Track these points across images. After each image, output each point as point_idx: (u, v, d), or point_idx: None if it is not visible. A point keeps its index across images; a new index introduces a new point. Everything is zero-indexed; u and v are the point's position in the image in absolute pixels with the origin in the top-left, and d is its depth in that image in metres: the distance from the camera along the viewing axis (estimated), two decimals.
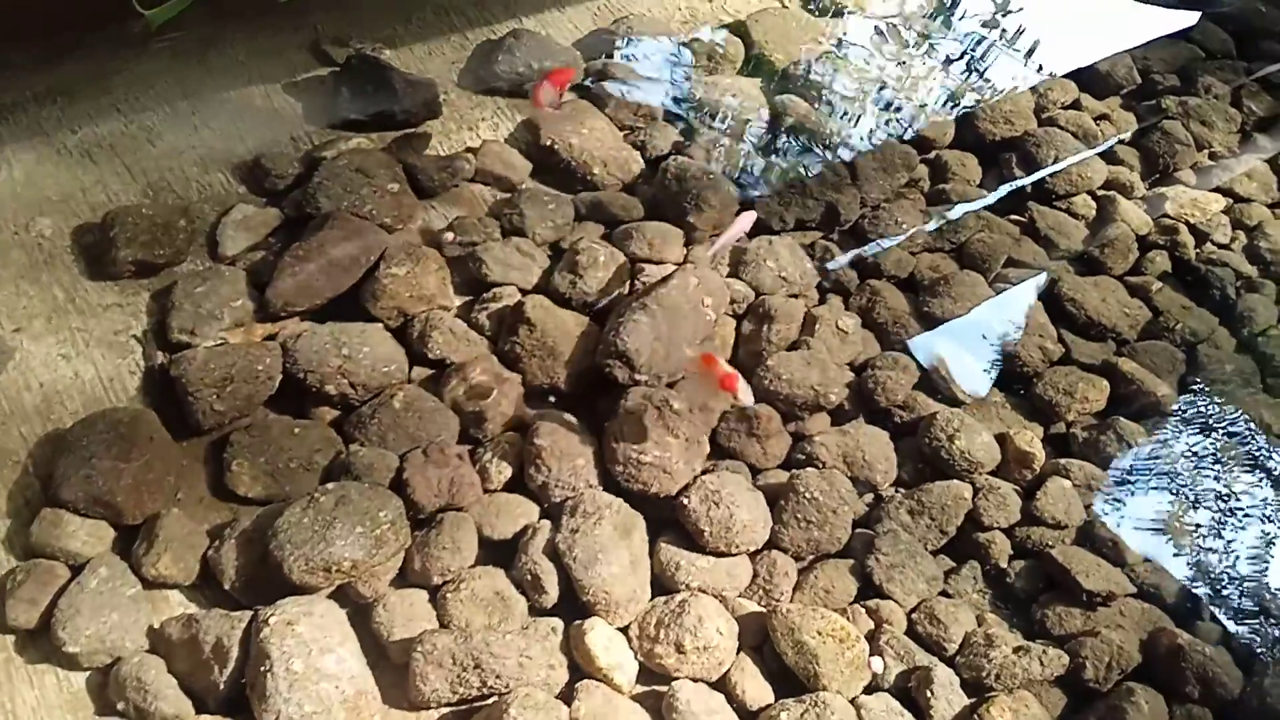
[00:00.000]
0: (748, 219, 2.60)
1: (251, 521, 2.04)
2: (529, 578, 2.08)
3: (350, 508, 2.00)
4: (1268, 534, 2.44)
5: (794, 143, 3.02)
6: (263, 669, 1.79)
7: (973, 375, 2.57)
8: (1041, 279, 2.76)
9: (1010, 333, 2.66)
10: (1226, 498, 2.49)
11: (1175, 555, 2.34)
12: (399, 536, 2.03)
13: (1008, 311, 2.70)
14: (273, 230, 2.53)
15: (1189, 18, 3.68)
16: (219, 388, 2.15)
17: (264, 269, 2.40)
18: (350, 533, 1.97)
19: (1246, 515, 2.47)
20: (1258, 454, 2.58)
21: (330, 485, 2.04)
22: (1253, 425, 2.61)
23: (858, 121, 3.10)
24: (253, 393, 2.19)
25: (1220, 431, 2.58)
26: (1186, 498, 2.45)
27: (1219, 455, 2.55)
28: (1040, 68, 3.37)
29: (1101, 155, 3.11)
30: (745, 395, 2.21)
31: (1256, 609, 2.27)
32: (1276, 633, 2.22)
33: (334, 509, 1.99)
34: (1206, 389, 2.64)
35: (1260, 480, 2.53)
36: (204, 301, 2.31)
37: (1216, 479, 2.52)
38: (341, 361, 2.24)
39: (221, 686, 1.85)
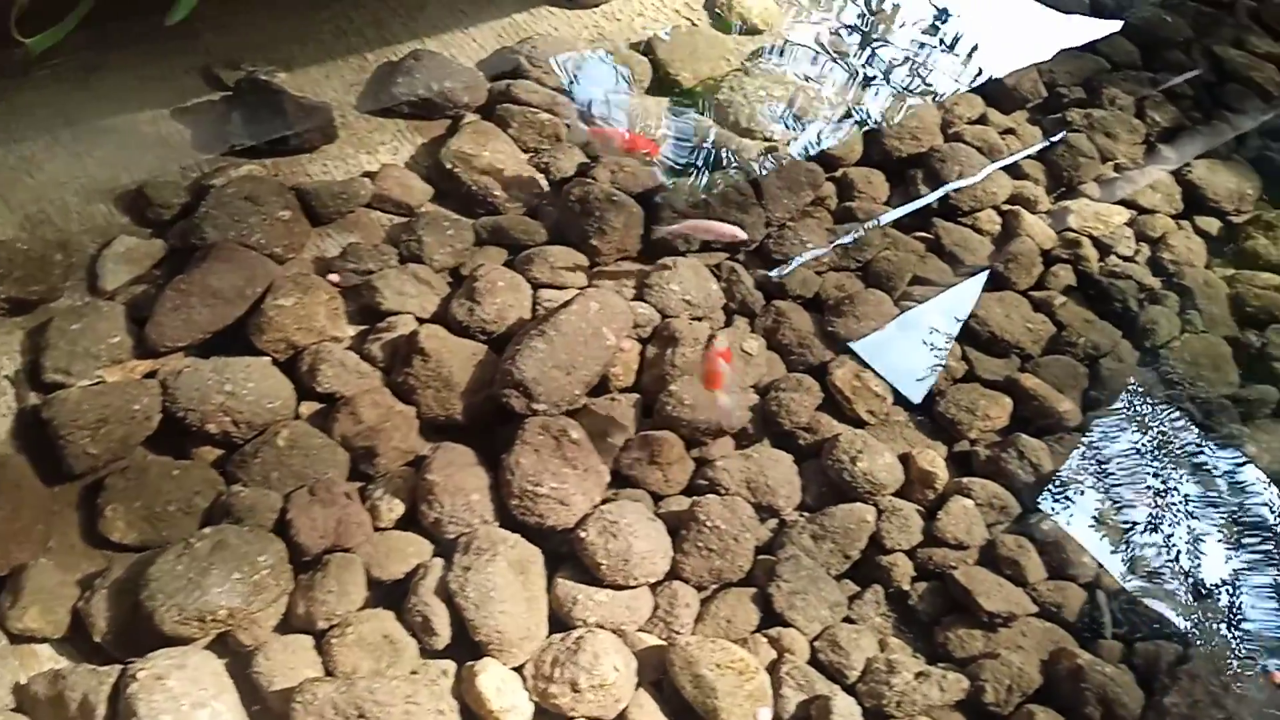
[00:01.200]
0: (730, 231, 2.61)
1: (125, 570, 1.96)
2: (419, 619, 2.01)
3: (227, 553, 1.92)
4: (1170, 549, 2.45)
5: (700, 162, 2.99)
6: None
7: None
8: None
9: (914, 350, 2.64)
10: (1130, 512, 2.49)
11: (1079, 572, 2.33)
12: (279, 581, 1.96)
13: (913, 329, 2.69)
14: (157, 262, 2.45)
15: (1095, 29, 3.72)
16: (93, 430, 2.07)
17: (146, 303, 2.32)
18: (226, 579, 1.89)
19: (1150, 530, 2.48)
20: (1161, 468, 2.59)
21: (207, 530, 1.97)
22: (1154, 439, 2.62)
23: (764, 140, 3.09)
24: (128, 434, 2.11)
25: (1123, 446, 2.58)
26: (1090, 513, 2.44)
27: (1123, 470, 2.56)
28: (948, 83, 3.38)
29: (1006, 169, 3.12)
30: (725, 401, 2.23)
31: (1158, 626, 2.27)
32: (1177, 650, 2.21)
33: (210, 555, 1.91)
34: (1109, 403, 2.64)
35: (1163, 494, 2.54)
36: (80, 339, 2.22)
37: (1121, 493, 2.52)
38: (224, 398, 2.16)
39: None
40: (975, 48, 3.54)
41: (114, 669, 1.83)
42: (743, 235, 2.63)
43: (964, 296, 2.78)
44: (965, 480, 2.42)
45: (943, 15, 3.64)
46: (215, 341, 2.31)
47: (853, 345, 2.61)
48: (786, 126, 3.14)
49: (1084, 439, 2.56)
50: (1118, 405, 2.64)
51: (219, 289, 2.30)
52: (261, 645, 1.94)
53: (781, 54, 3.29)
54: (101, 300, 2.34)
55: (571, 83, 3.08)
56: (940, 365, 2.62)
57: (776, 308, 2.67)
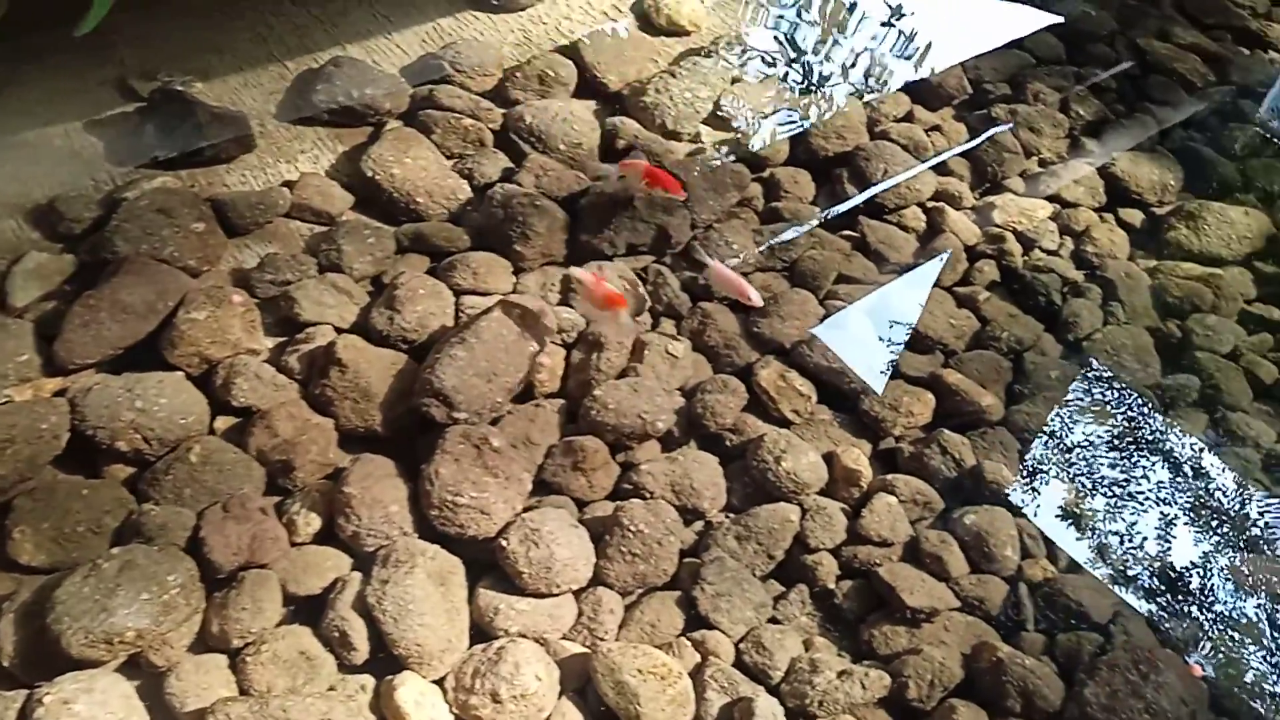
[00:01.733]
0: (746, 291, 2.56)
1: (32, 593, 1.93)
2: (337, 635, 1.99)
3: (135, 573, 1.89)
4: (1094, 540, 2.47)
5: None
6: None
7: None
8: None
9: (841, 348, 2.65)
10: (1053, 504, 2.52)
11: (1001, 566, 2.35)
12: (190, 600, 1.93)
13: (838, 329, 2.70)
14: (67, 278, 2.40)
15: (1022, 24, 3.76)
16: None
17: (55, 320, 2.28)
18: (134, 600, 1.86)
19: (1074, 522, 2.50)
20: (1084, 460, 2.62)
21: (115, 550, 1.93)
22: (1077, 432, 2.65)
23: (691, 142, 3.09)
24: (35, 453, 2.07)
25: (1046, 439, 2.61)
26: (1013, 507, 2.46)
27: (1046, 462, 2.58)
28: (874, 82, 3.40)
29: (932, 167, 3.14)
30: (625, 318, 2.29)
31: (1080, 618, 2.29)
32: (1098, 641, 2.23)
33: (117, 575, 1.88)
34: (1032, 397, 2.66)
35: (1087, 486, 2.57)
36: None
37: (1045, 486, 2.55)
38: (135, 415, 2.13)
39: None
40: (902, 45, 3.56)
41: (20, 694, 1.79)
42: (758, 300, 2.57)
43: (890, 294, 2.79)
44: (889, 477, 2.44)
45: (868, 16, 3.66)
46: (127, 357, 2.27)
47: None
48: (713, 128, 3.15)
49: (1008, 433, 2.58)
50: (1041, 399, 2.66)
51: (129, 304, 2.26)
52: (174, 666, 1.91)
53: (708, 56, 3.28)
54: (10, 318, 2.29)
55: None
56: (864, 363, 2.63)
57: (703, 309, 2.67)
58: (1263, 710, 2.23)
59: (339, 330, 2.42)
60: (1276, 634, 2.36)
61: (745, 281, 2.59)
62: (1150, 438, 2.68)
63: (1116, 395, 2.74)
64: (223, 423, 2.24)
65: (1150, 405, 2.73)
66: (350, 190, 2.75)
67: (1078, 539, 2.46)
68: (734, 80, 3.28)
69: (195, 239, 2.45)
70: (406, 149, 2.78)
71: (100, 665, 1.87)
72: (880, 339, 2.71)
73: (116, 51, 2.88)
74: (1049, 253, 3.05)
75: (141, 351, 2.28)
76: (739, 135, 3.13)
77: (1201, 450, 2.67)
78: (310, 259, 2.54)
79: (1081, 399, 2.70)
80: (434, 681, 2.00)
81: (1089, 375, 2.75)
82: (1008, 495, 2.43)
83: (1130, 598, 2.36)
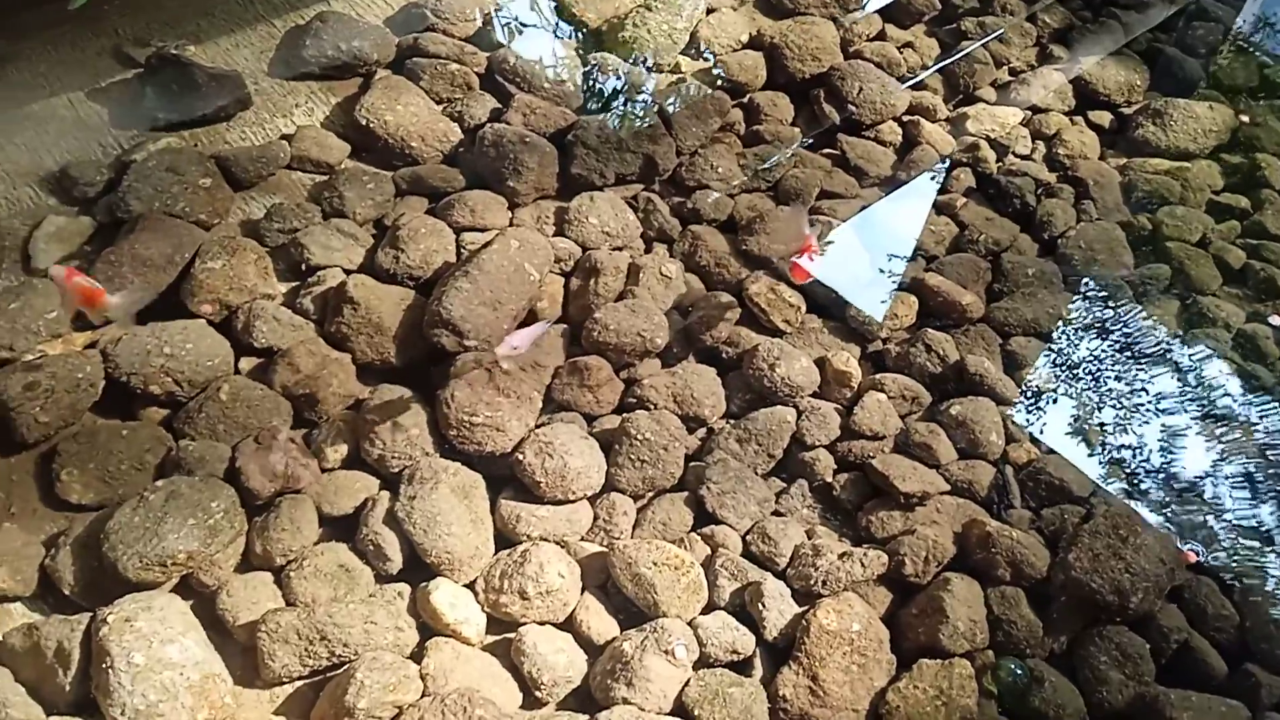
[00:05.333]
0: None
1: (85, 527, 2.07)
2: (372, 548, 2.14)
3: (181, 502, 2.04)
4: (1075, 421, 2.62)
5: (610, 99, 3.09)
6: (104, 666, 1.83)
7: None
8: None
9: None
10: (1035, 390, 2.66)
11: (987, 450, 2.49)
12: (234, 524, 2.07)
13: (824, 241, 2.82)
14: (87, 239, 2.52)
15: None
16: (41, 400, 2.16)
17: None
18: (183, 526, 2.01)
19: (1054, 405, 2.64)
20: (1063, 348, 2.76)
21: (160, 483, 2.08)
22: (1054, 323, 2.78)
23: (671, 73, 3.18)
24: (76, 401, 2.21)
25: (1024, 331, 2.74)
26: (997, 394, 2.59)
27: (1026, 352, 2.71)
28: (847, 3, 3.48)
29: (904, 81, 3.24)
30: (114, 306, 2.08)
31: (1060, 494, 2.44)
32: (1078, 513, 2.38)
33: (164, 505, 2.02)
34: (1011, 294, 2.79)
35: (1066, 371, 2.71)
36: (19, 317, 2.30)
37: (1027, 373, 2.68)
38: (164, 360, 2.26)
39: (68, 688, 1.89)
40: None
41: (84, 617, 1.94)
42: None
43: (872, 206, 2.92)
44: (879, 376, 2.57)
45: None
46: (149, 308, 2.38)
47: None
48: (692, 58, 3.24)
49: (989, 329, 2.71)
50: (1019, 295, 2.79)
51: (148, 258, 2.39)
52: (223, 584, 2.06)
53: None
54: (36, 278, 2.41)
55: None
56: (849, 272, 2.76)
57: (693, 232, 2.79)
58: (1234, 567, 2.38)
59: (348, 272, 2.54)
60: (1240, 497, 2.52)
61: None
62: (1125, 324, 2.81)
63: (1092, 287, 2.86)
64: (246, 363, 2.38)
65: (1124, 294, 2.86)
66: (346, 139, 2.85)
67: (1060, 420, 2.60)
68: (709, 10, 3.36)
69: (204, 194, 2.57)
70: (397, 96, 2.88)
71: (155, 587, 2.01)
72: (864, 249, 2.83)
73: (110, 21, 2.98)
74: (1022, 157, 3.17)
75: (162, 302, 2.40)
76: (717, 63, 3.22)
77: (1174, 333, 2.80)
78: (314, 207, 2.66)
79: (1058, 293, 2.83)
80: (465, 585, 2.15)
81: (1064, 270, 2.87)
82: (991, 386, 2.56)
83: (1111, 471, 2.51)
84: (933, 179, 3.04)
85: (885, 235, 2.88)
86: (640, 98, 3.09)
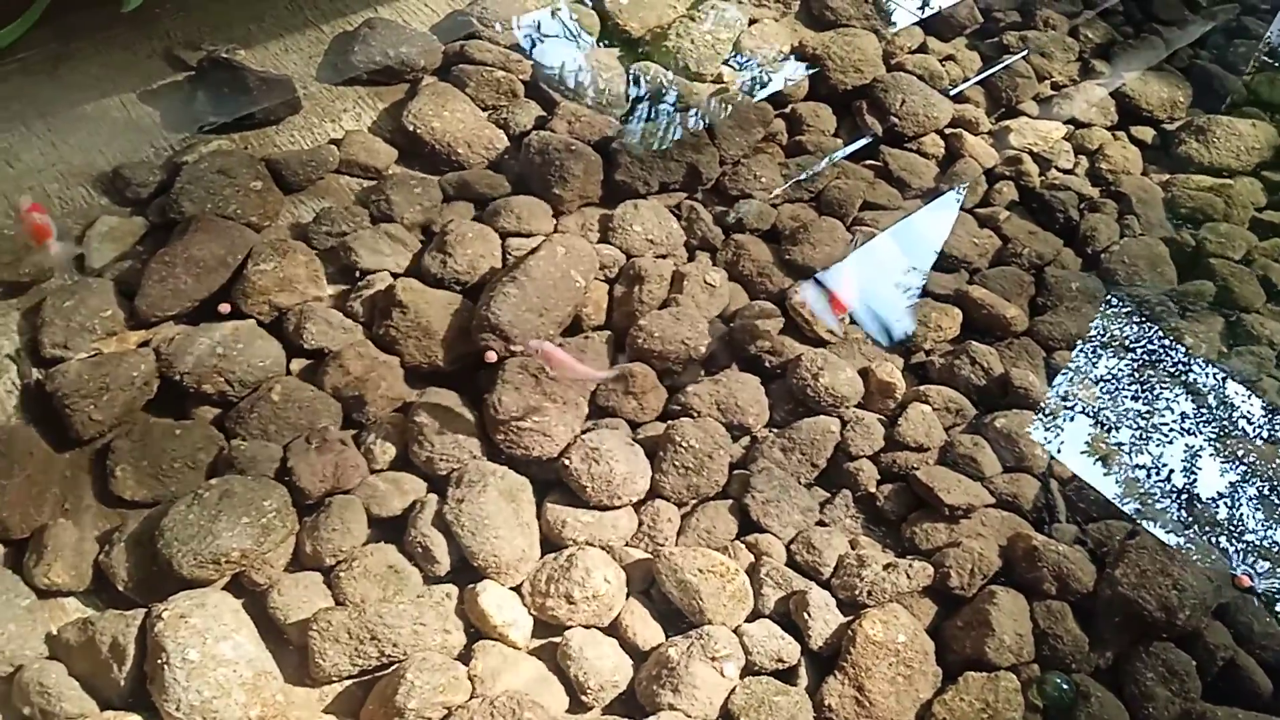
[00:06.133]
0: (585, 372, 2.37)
1: (139, 524, 2.09)
2: (420, 549, 2.15)
3: (234, 500, 2.05)
4: (1123, 438, 2.61)
5: (654, 108, 3.11)
6: (159, 661, 1.85)
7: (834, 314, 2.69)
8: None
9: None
10: (1079, 404, 2.65)
11: (1032, 464, 2.49)
12: (286, 523, 2.09)
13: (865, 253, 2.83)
14: (140, 239, 2.55)
15: None
16: (95, 398, 2.19)
17: (133, 278, 2.43)
18: (236, 524, 2.02)
19: (1099, 421, 2.64)
20: (1107, 363, 2.75)
21: (214, 481, 2.09)
22: (1100, 337, 2.78)
23: (714, 83, 3.20)
24: (130, 399, 2.23)
25: (1069, 345, 2.74)
26: (1042, 408, 2.59)
27: (1071, 367, 2.71)
28: (889, 15, 3.50)
29: (947, 94, 3.25)
30: (57, 248, 2.23)
31: (1109, 507, 2.43)
32: (1124, 528, 2.38)
33: (218, 503, 2.04)
34: (1055, 308, 2.79)
35: (1110, 386, 2.70)
36: (74, 315, 2.33)
37: (1070, 387, 2.68)
38: (217, 360, 2.28)
39: (122, 683, 1.90)
40: None
41: (139, 613, 1.96)
42: (599, 376, 2.40)
43: (914, 218, 2.92)
44: (922, 388, 2.57)
45: None
46: (202, 309, 2.42)
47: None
48: (735, 68, 3.26)
49: (1033, 342, 2.71)
50: (1063, 309, 2.79)
51: (202, 259, 2.41)
52: (274, 583, 2.08)
53: None
54: (91, 278, 2.44)
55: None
56: (893, 283, 2.76)
57: (736, 241, 2.80)
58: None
59: (395, 275, 2.56)
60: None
61: (581, 364, 2.35)
62: (1169, 340, 2.80)
63: (1135, 302, 2.86)
64: (296, 364, 2.40)
65: (1168, 311, 2.85)
66: (393, 145, 2.88)
67: (1104, 436, 2.59)
68: (752, 21, 3.38)
69: (255, 197, 2.60)
70: (444, 103, 2.91)
71: (208, 584, 2.03)
72: (907, 260, 2.83)
73: (161, 24, 3.02)
74: (1065, 172, 3.17)
75: (215, 303, 2.42)
76: (760, 73, 3.24)
77: (1218, 350, 2.79)
78: (362, 210, 2.68)
79: (1102, 307, 2.82)
80: (511, 589, 2.16)
81: (1108, 285, 2.87)
82: (1035, 400, 2.56)
83: (1157, 487, 2.50)
84: (974, 191, 3.04)
85: (927, 246, 2.87)
86: (683, 107, 3.11)
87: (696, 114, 3.06)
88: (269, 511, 2.07)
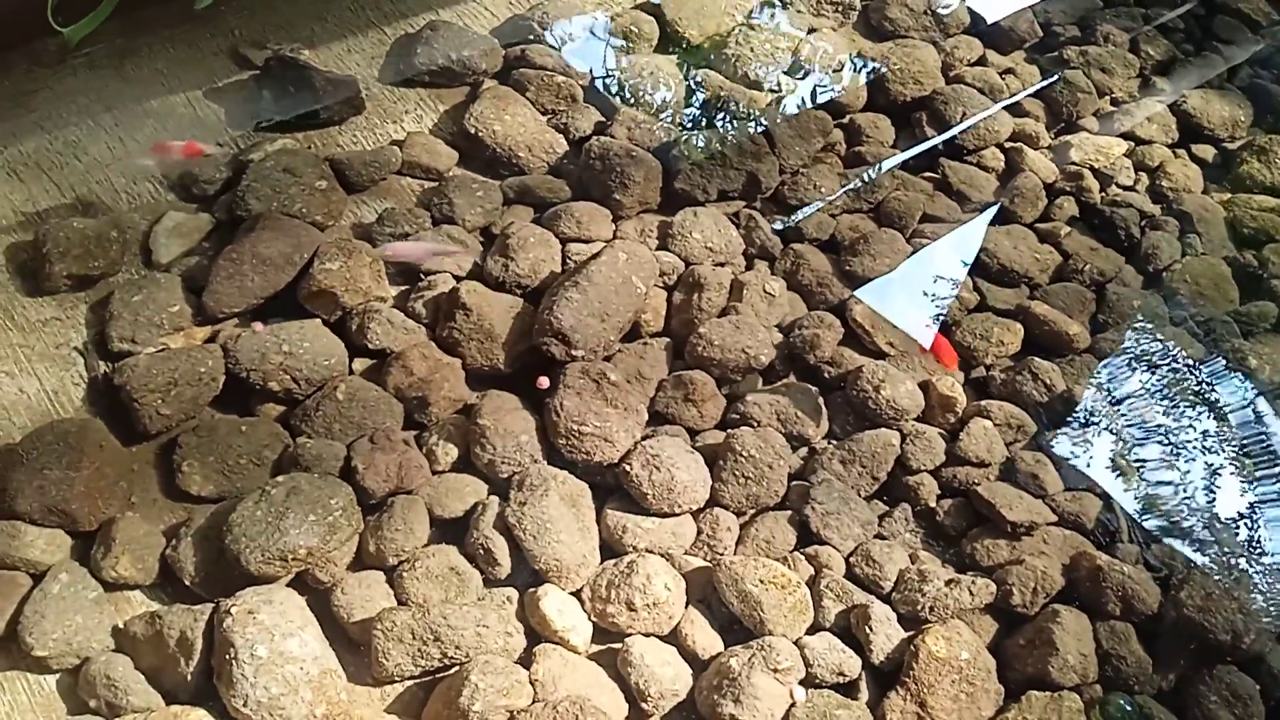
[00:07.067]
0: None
1: (206, 519, 2.10)
2: (481, 551, 2.16)
3: (301, 498, 2.06)
4: (1184, 460, 2.58)
5: (713, 115, 3.11)
6: (228, 657, 1.86)
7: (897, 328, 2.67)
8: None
9: (929, 285, 2.77)
10: (1145, 426, 2.63)
11: (1094, 484, 2.47)
12: (351, 522, 2.10)
13: (927, 265, 2.82)
14: (205, 235, 2.56)
15: None
16: (163, 392, 2.20)
17: (199, 273, 2.45)
18: (303, 522, 2.03)
19: (1163, 442, 2.61)
20: (1169, 383, 2.72)
21: (280, 478, 2.10)
22: (1162, 357, 2.75)
23: (773, 92, 3.20)
24: (197, 394, 2.24)
25: (1131, 364, 2.71)
26: (1105, 429, 2.57)
27: (1133, 386, 2.69)
28: (948, 27, 3.48)
29: (1007, 108, 3.23)
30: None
31: (1171, 529, 2.41)
32: (1190, 550, 2.35)
33: (285, 500, 2.05)
34: (1116, 325, 2.77)
35: (1172, 406, 2.68)
36: (142, 309, 2.35)
37: (1132, 407, 2.65)
38: (283, 358, 2.29)
39: (189, 678, 1.91)
40: None
41: (206, 607, 1.97)
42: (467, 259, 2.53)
43: (973, 232, 2.90)
44: (984, 403, 2.56)
45: None
46: (267, 306, 2.43)
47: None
48: (794, 77, 3.25)
49: (1095, 360, 2.69)
50: (1125, 327, 2.77)
51: (268, 256, 2.42)
52: (338, 582, 2.08)
53: (785, 7, 3.38)
54: (158, 272, 2.46)
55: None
56: (954, 297, 2.74)
57: (795, 250, 2.79)
58: None
59: (457, 278, 2.56)
60: None
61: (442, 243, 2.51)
62: (1230, 362, 2.77)
63: (1197, 322, 2.83)
64: (360, 364, 2.41)
65: (1231, 331, 2.82)
66: (454, 147, 2.88)
67: (1167, 456, 2.56)
68: (810, 30, 3.37)
69: (320, 196, 2.61)
70: (505, 106, 2.91)
71: (274, 581, 2.04)
72: (967, 274, 2.82)
73: (226, 23, 3.04)
74: (1125, 188, 3.14)
75: (280, 300, 2.44)
76: (819, 83, 3.23)
77: None
78: (424, 212, 2.69)
79: (1164, 326, 2.80)
80: (572, 593, 2.16)
81: (1170, 304, 2.84)
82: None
83: (1219, 509, 2.48)
84: (1035, 206, 3.01)
85: (988, 260, 2.86)
86: (743, 115, 3.10)
87: (756, 122, 3.05)
88: (335, 510, 2.08)
